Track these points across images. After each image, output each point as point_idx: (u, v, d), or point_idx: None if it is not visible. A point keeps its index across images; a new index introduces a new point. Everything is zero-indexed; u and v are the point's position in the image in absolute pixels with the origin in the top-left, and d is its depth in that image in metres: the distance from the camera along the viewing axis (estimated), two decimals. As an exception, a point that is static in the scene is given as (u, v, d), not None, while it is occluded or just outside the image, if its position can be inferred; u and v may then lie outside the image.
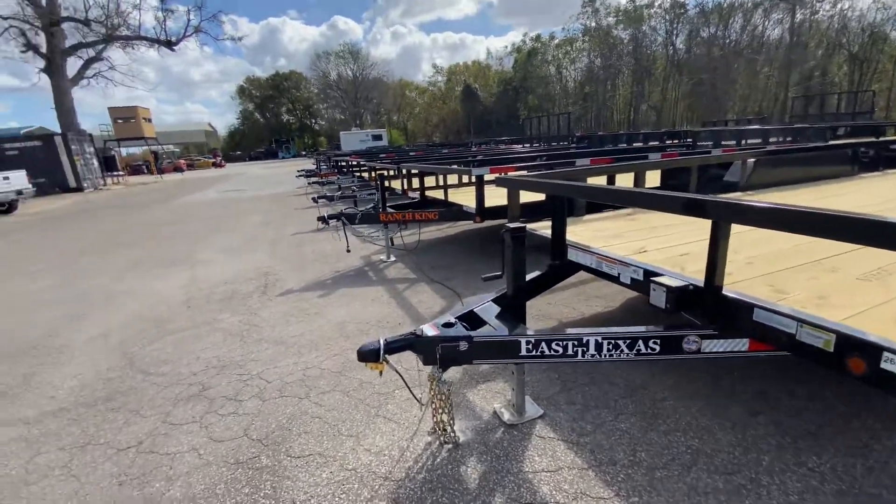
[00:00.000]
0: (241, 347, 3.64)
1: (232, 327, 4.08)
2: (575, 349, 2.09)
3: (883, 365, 1.45)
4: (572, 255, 2.98)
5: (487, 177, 4.82)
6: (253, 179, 25.49)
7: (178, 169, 44.10)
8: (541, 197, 5.13)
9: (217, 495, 2.11)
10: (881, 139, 6.46)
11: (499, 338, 2.11)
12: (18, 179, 16.38)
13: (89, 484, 2.25)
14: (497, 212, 4.98)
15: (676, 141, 11.66)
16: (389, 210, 5.68)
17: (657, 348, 2.07)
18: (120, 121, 33.85)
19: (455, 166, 5.71)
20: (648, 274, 2.34)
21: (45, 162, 22.94)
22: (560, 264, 3.10)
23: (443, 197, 5.95)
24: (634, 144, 11.99)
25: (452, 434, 2.28)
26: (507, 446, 2.27)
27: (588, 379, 2.81)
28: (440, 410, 2.21)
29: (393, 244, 5.87)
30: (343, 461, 2.26)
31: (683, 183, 5.47)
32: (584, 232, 3.41)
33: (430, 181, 7.35)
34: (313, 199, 7.96)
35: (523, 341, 2.09)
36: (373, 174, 9.90)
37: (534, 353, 2.10)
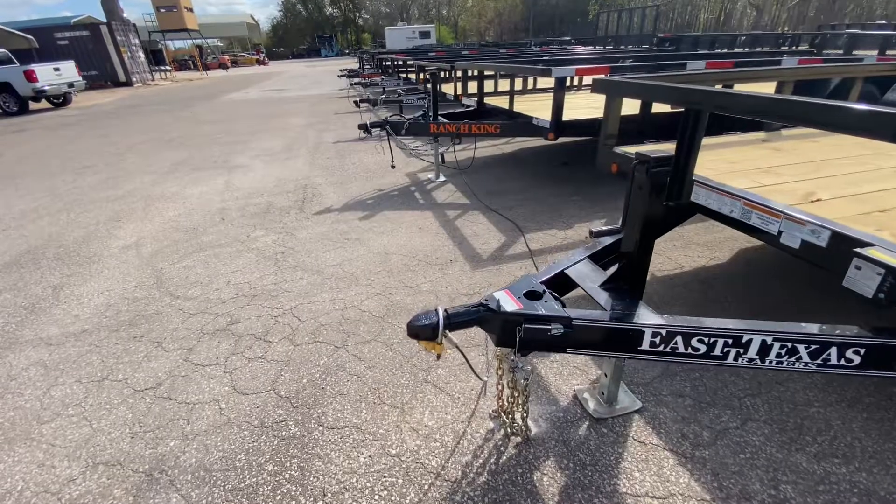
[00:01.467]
0: (274, 274, 3.22)
1: (266, 248, 3.65)
2: (726, 350, 1.42)
3: None
4: (699, 196, 2.16)
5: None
6: (296, 79, 24.35)
7: (222, 65, 43.15)
8: (632, 111, 4.10)
9: (236, 469, 1.75)
10: None
11: (610, 324, 1.46)
12: (69, 71, 16.20)
13: (101, 432, 1.96)
14: (577, 127, 4.05)
15: (794, 47, 9.44)
16: (441, 120, 4.83)
17: (856, 360, 1.37)
18: (162, 10, 32.53)
19: (527, 66, 4.63)
20: (842, 241, 1.55)
21: (95, 53, 22.63)
22: (676, 206, 2.30)
23: (506, 106, 4.97)
24: (736, 50, 9.87)
25: (523, 426, 1.76)
26: (594, 450, 1.74)
27: (696, 360, 2.16)
28: (513, 405, 1.67)
29: (443, 161, 5.10)
30: (385, 442, 1.83)
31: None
32: (711, 162, 2.53)
33: (488, 86, 6.27)
34: (355, 102, 7.13)
35: (648, 332, 1.43)
36: (422, 75, 8.73)
37: (660, 348, 1.45)
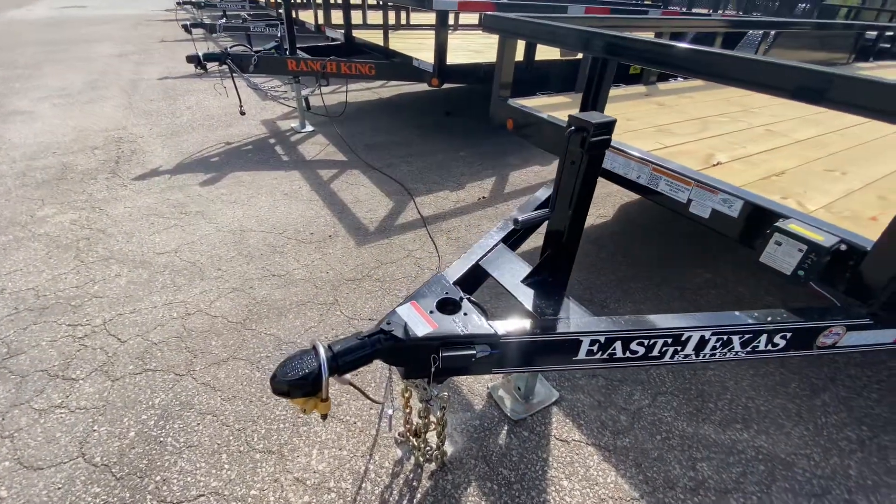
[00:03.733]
0: (75, 272, 2.31)
1: (61, 232, 2.62)
2: (664, 349, 1.24)
3: None
4: (606, 160, 1.98)
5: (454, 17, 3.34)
6: (102, -9, 18.98)
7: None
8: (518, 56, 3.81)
9: None
10: (874, 24, 5.82)
11: (545, 336, 1.16)
12: None
13: None
14: (462, 73, 3.63)
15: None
16: (301, 55, 3.96)
17: (781, 344, 1.31)
18: None
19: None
20: (757, 213, 1.47)
21: None
22: (580, 170, 2.10)
23: (380, 42, 4.28)
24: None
25: (439, 454, 1.45)
26: (517, 462, 1.52)
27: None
28: (425, 431, 1.33)
29: (309, 107, 4.28)
30: (259, 507, 1.37)
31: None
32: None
33: (356, 17, 5.39)
34: (184, 26, 5.60)
35: (586, 341, 1.18)
36: (273, -2, 7.26)
37: (598, 356, 1.22)
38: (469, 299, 1.23)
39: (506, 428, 1.64)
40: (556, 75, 3.96)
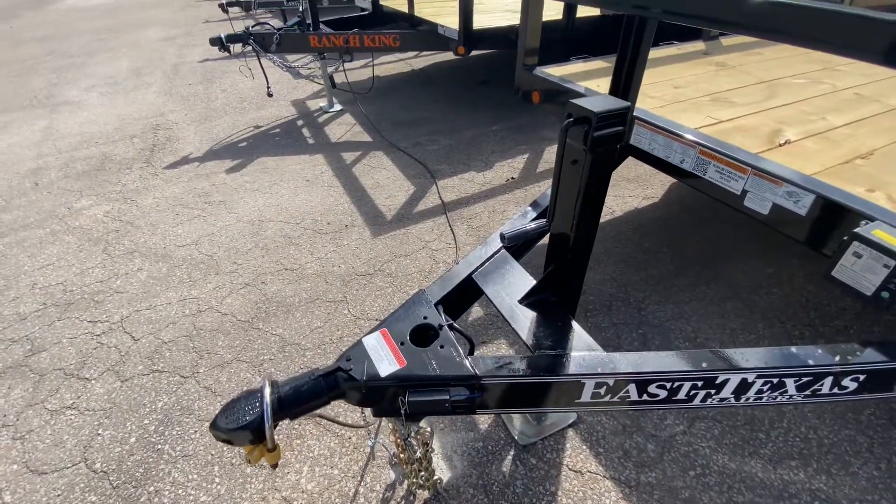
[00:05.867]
0: (101, 266, 2.37)
1: (94, 225, 2.71)
2: (693, 393, 1.00)
3: None
4: (641, 139, 1.67)
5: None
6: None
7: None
8: (556, 13, 3.40)
9: None
10: None
11: (535, 378, 0.96)
12: None
13: None
14: (492, 39, 3.30)
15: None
16: (324, 30, 3.78)
17: (853, 386, 1.02)
18: None
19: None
20: (831, 210, 1.15)
21: None
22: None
23: (406, 9, 3.99)
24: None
25: (430, 484, 1.32)
26: (521, 494, 1.36)
27: (623, 323, 1.82)
28: (415, 473, 1.20)
29: (335, 85, 4.13)
30: (245, 527, 1.32)
31: None
32: (652, 86, 2.01)
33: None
34: (220, 5, 5.57)
35: (590, 384, 0.97)
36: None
37: (608, 398, 1.01)
38: (452, 326, 1.05)
39: (512, 453, 1.47)
40: (599, 35, 3.51)
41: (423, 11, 4.09)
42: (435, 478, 1.33)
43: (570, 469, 1.42)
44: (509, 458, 1.46)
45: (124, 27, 8.57)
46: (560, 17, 3.42)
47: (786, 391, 1.01)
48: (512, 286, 1.20)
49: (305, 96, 4.64)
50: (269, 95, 3.95)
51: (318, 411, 0.98)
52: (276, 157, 3.43)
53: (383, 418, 1.48)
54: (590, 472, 1.41)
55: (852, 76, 2.10)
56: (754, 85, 1.99)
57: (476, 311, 1.99)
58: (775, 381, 0.98)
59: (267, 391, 0.88)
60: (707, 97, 1.86)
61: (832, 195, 1.18)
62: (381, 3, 4.40)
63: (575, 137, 0.89)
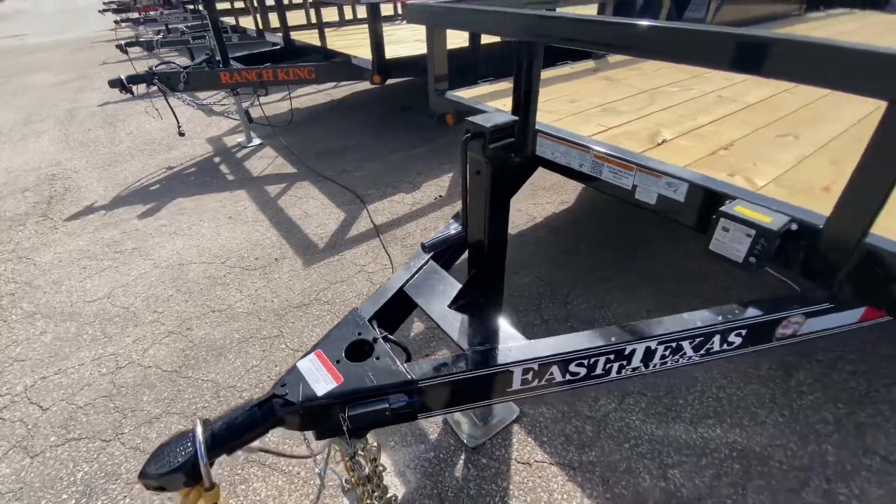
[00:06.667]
0: (-6, 334, 2.12)
1: (-19, 290, 2.42)
2: (608, 366, 1.11)
3: None
4: (545, 149, 1.83)
5: (387, 8, 3.14)
6: (48, 17, 18.25)
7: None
8: (461, 41, 3.63)
9: None
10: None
11: (469, 373, 1.03)
12: None
13: None
14: (406, 67, 3.44)
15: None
16: (235, 66, 3.74)
17: (738, 341, 1.19)
18: None
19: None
20: (703, 196, 1.34)
21: None
22: (522, 161, 1.96)
23: (318, 43, 4.05)
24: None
25: (385, 496, 1.32)
26: (475, 496, 1.40)
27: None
28: (368, 495, 1.19)
29: (251, 120, 4.06)
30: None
31: (645, 11, 4.29)
32: (546, 103, 2.22)
33: (298, 17, 5.14)
34: (118, 47, 5.29)
35: (518, 371, 1.05)
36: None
37: (536, 382, 1.09)
38: (386, 338, 1.09)
39: (463, 457, 1.51)
40: (504, 59, 3.78)
41: (335, 44, 4.18)
42: (389, 495, 1.33)
43: (518, 462, 1.49)
44: (461, 462, 1.50)
45: (9, 73, 7.81)
46: (467, 44, 3.65)
47: (685, 353, 1.15)
48: (441, 293, 1.26)
49: (221, 133, 4.50)
50: (181, 135, 3.80)
51: (257, 444, 0.96)
52: (194, 196, 3.28)
53: (331, 446, 1.46)
54: (536, 461, 1.49)
55: (716, 81, 2.46)
56: (637, 95, 2.26)
57: (417, 326, 2.03)
58: (674, 345, 1.12)
59: (199, 429, 0.86)
60: (598, 108, 2.09)
61: (701, 181, 1.38)
62: (292, 37, 4.43)
63: (475, 150, 0.99)
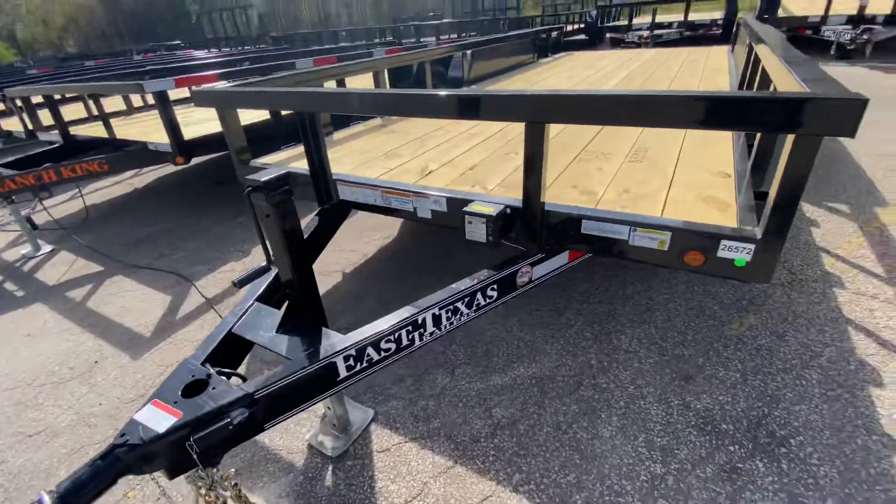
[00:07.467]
0: None
1: None
2: (410, 336, 1.47)
3: (720, 253, 1.40)
4: (346, 194, 2.21)
5: (176, 93, 3.26)
6: None
7: None
8: (262, 115, 3.90)
9: None
10: (541, 28, 7.66)
11: (299, 373, 1.27)
12: None
13: None
14: (209, 144, 3.54)
15: (381, 39, 11.29)
16: (4, 172, 3.34)
17: (495, 294, 1.67)
18: None
19: (110, 82, 3.67)
20: (456, 204, 1.85)
21: None
22: (331, 208, 2.30)
23: (105, 134, 3.85)
24: (341, 44, 11.03)
25: (262, 526, 1.43)
26: (346, 493, 1.59)
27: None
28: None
29: (35, 227, 3.61)
30: None
31: (414, 83, 5.16)
32: (344, 156, 2.63)
33: (74, 110, 4.77)
34: None
35: (340, 359, 1.33)
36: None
37: (359, 366, 1.38)
38: (221, 371, 1.26)
39: (331, 467, 1.69)
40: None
41: (128, 132, 4.06)
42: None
43: (378, 451, 1.73)
44: (329, 472, 1.67)
45: None
46: (268, 117, 3.94)
47: (462, 312, 1.58)
48: (269, 325, 1.48)
49: (-5, 249, 3.85)
50: (-65, 261, 3.17)
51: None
52: (-29, 326, 2.78)
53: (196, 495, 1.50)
54: (394, 444, 1.75)
55: (466, 123, 3.19)
56: (412, 140, 2.84)
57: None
58: (452, 307, 1.54)
59: (45, 496, 0.92)
60: (383, 155, 2.58)
61: (452, 195, 1.89)
62: (72, 133, 4.12)
63: (259, 199, 1.28)
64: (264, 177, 1.26)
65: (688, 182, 1.85)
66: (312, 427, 1.85)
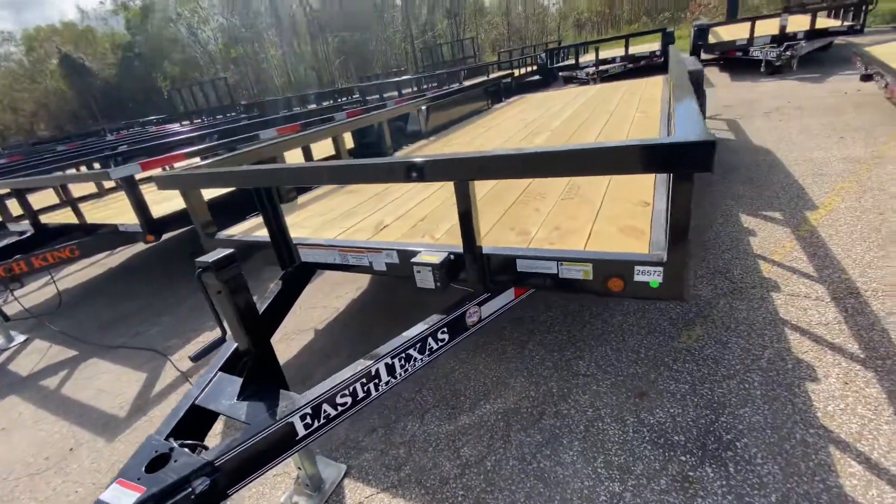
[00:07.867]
0: None
1: None
2: (366, 387, 1.56)
3: (637, 277, 1.55)
4: (307, 256, 2.34)
5: (141, 176, 3.42)
6: None
7: None
8: (227, 188, 4.07)
9: None
10: (489, 80, 8.18)
11: (257, 437, 1.34)
12: None
13: None
14: (176, 220, 3.67)
15: (347, 98, 11.85)
16: (-28, 269, 3.40)
17: (447, 337, 1.79)
18: None
19: (78, 172, 3.82)
20: (405, 256, 1.99)
21: None
22: (294, 271, 2.42)
23: (75, 220, 3.96)
24: (309, 107, 11.53)
25: None
26: (322, 550, 1.62)
27: (375, 388, 2.38)
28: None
29: (7, 318, 3.63)
30: None
31: (376, 140, 5.44)
32: (305, 220, 2.78)
33: (44, 197, 4.89)
34: None
35: (297, 418, 1.41)
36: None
37: (316, 423, 1.46)
38: (183, 444, 1.33)
39: (306, 527, 1.72)
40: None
41: (98, 216, 4.18)
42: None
43: (352, 505, 1.77)
44: (304, 532, 1.70)
45: None
46: (234, 189, 4.10)
47: (415, 358, 1.69)
48: (231, 394, 1.56)
49: (-34, 346, 3.82)
50: None
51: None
52: (-60, 428, 2.75)
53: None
54: (367, 497, 1.80)
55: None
56: (369, 199, 3.01)
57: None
58: (404, 354, 1.65)
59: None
60: (341, 215, 2.74)
61: (401, 247, 2.04)
62: (42, 221, 4.22)
63: (209, 278, 1.40)
64: (213, 257, 1.39)
65: (611, 214, 2.04)
66: (287, 489, 1.88)
